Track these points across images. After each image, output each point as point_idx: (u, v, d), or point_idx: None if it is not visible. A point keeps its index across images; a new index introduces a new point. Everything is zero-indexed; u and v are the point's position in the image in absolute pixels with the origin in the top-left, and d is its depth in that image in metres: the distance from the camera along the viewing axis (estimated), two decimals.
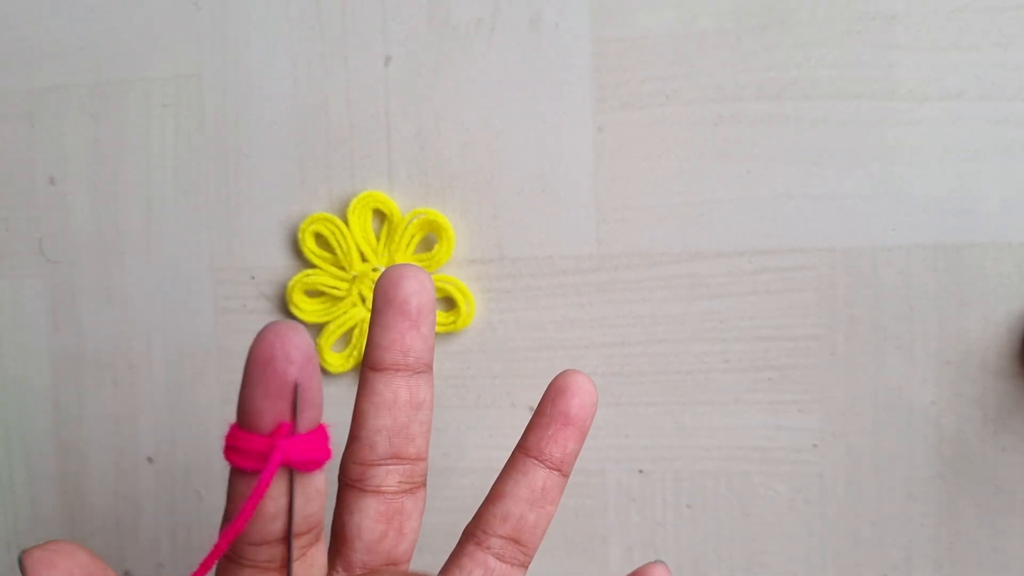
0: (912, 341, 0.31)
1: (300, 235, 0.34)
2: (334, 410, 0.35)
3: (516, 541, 0.23)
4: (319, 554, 0.21)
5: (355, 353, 0.34)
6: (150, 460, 0.37)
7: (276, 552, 0.19)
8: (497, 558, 0.23)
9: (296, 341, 0.17)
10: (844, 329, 0.31)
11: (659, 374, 0.33)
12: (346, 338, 0.34)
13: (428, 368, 0.22)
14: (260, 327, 0.35)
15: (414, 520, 0.23)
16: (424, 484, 0.23)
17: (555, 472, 0.23)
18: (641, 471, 0.33)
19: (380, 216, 0.34)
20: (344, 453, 0.22)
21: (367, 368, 0.22)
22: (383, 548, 0.22)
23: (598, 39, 0.32)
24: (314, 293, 0.34)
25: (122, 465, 0.37)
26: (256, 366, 0.17)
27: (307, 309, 0.34)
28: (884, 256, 0.31)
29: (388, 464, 0.22)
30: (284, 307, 0.35)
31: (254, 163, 0.35)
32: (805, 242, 0.31)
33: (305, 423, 0.18)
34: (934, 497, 0.31)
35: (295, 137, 0.34)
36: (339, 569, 0.22)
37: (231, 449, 0.18)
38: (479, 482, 0.34)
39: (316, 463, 0.19)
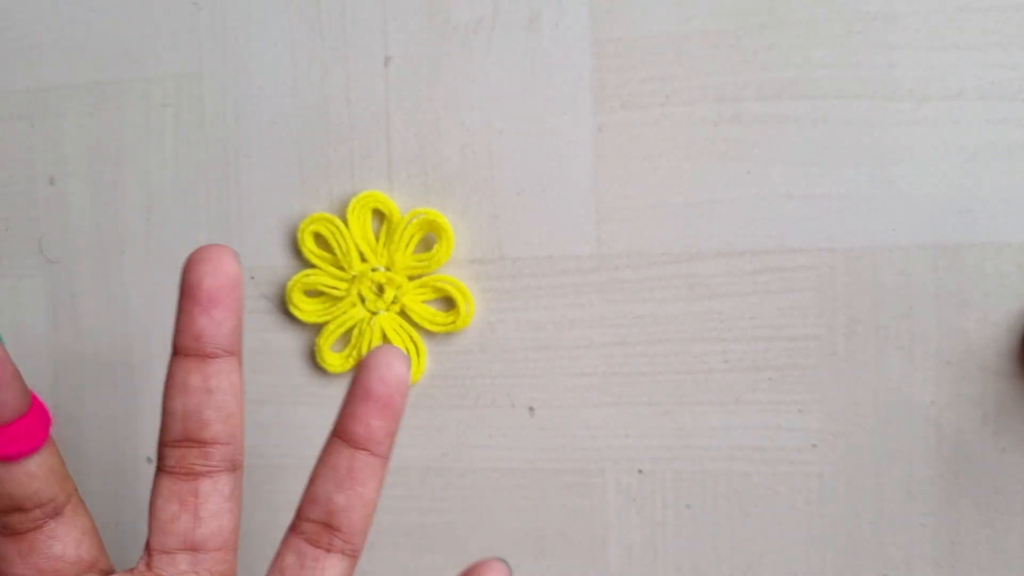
0: (912, 341, 0.31)
1: (299, 235, 0.34)
2: (334, 410, 0.35)
3: (328, 525, 0.23)
4: (60, 528, 0.22)
5: (355, 353, 0.34)
6: (150, 460, 0.37)
7: (16, 520, 0.21)
8: (310, 543, 0.23)
9: None
10: (844, 329, 0.31)
11: (659, 374, 0.33)
12: (345, 338, 0.34)
13: (227, 353, 0.22)
14: (260, 327, 0.35)
15: (213, 504, 0.23)
16: (230, 470, 0.23)
17: (362, 452, 0.23)
18: (641, 471, 0.33)
19: (380, 216, 0.34)
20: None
21: (172, 351, 0.22)
22: (177, 530, 0.23)
23: (598, 39, 0.32)
24: (313, 293, 0.34)
25: (122, 465, 0.37)
26: None
27: (306, 309, 0.34)
28: (884, 256, 0.31)
29: (182, 446, 0.22)
30: (284, 307, 0.35)
31: (254, 163, 0.35)
32: (805, 242, 0.31)
33: None
34: (934, 497, 0.31)
35: (295, 137, 0.34)
36: (145, 550, 0.23)
37: None
38: (479, 482, 0.34)
39: (10, 456, 0.20)
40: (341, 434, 0.23)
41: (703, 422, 0.32)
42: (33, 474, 0.21)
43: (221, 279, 0.21)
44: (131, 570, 0.23)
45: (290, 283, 0.34)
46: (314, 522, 0.23)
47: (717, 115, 0.31)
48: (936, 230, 0.30)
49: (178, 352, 0.22)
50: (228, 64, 0.35)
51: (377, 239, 0.34)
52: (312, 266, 0.34)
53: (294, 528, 0.24)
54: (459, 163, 0.33)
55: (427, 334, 0.34)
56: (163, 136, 0.36)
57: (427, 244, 0.34)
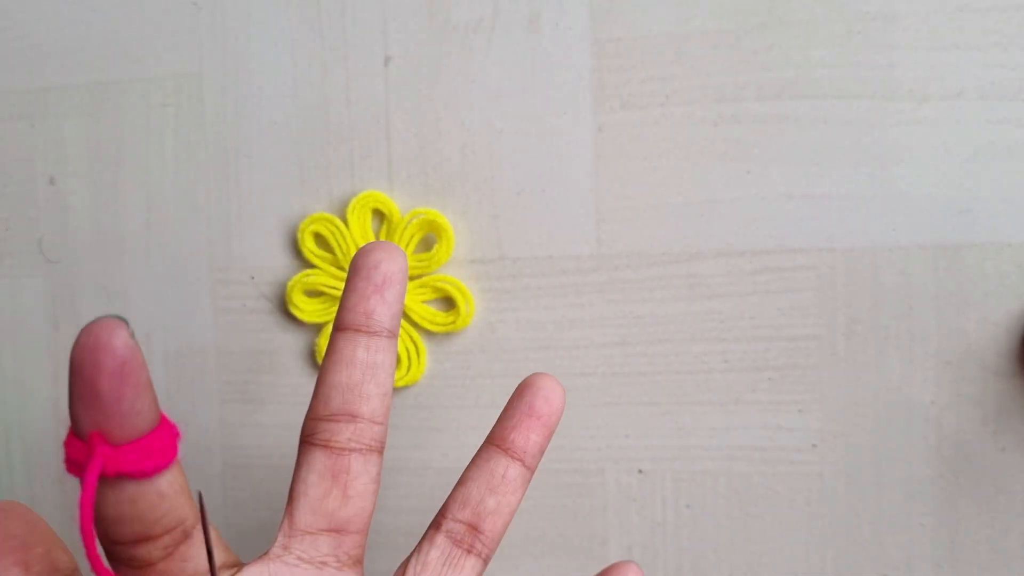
0: (912, 341, 0.31)
1: (299, 235, 0.34)
2: None
3: (475, 527, 0.24)
4: (191, 550, 0.21)
5: None
6: None
7: (145, 551, 0.19)
8: (455, 543, 0.24)
9: (112, 344, 0.16)
10: (844, 329, 0.31)
11: (659, 374, 0.33)
12: None
13: (390, 334, 0.23)
14: (260, 327, 0.35)
15: (361, 483, 0.23)
16: (378, 451, 0.23)
17: (517, 462, 0.24)
18: (641, 471, 0.33)
19: (380, 216, 0.34)
20: (306, 412, 0.23)
21: (334, 330, 0.23)
22: (326, 508, 0.22)
23: (598, 39, 0.32)
24: (314, 293, 0.34)
25: None
26: (72, 370, 0.17)
27: (307, 309, 0.34)
28: (884, 256, 0.31)
29: (339, 420, 0.22)
30: (284, 307, 0.35)
31: (254, 163, 0.35)
32: (805, 242, 0.31)
33: (126, 431, 0.17)
34: (934, 497, 0.31)
35: (295, 137, 0.34)
36: (280, 536, 0.22)
37: (66, 452, 0.18)
38: None
39: (145, 472, 0.18)
40: (500, 443, 0.24)
41: (703, 422, 0.32)
42: (163, 493, 0.19)
43: (396, 265, 0.23)
44: (266, 554, 0.22)
45: (290, 283, 0.34)
46: (461, 523, 0.24)
47: (717, 115, 0.31)
48: (936, 230, 0.30)
49: (345, 328, 0.23)
50: (228, 64, 0.35)
51: (377, 239, 0.34)
52: (312, 266, 0.34)
53: (439, 526, 0.24)
54: (459, 163, 0.33)
55: (427, 334, 0.34)
56: (163, 136, 0.36)
57: (427, 244, 0.34)
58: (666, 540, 0.33)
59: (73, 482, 0.37)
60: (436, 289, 0.33)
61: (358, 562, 0.23)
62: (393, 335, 0.23)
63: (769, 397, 0.32)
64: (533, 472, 0.25)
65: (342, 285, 0.34)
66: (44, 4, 0.36)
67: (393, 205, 0.33)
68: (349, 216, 0.33)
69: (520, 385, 0.25)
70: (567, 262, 0.33)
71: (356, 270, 0.23)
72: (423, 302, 0.34)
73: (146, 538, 0.19)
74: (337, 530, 0.22)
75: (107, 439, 0.17)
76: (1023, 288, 0.30)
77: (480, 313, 0.34)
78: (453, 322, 0.33)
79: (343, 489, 0.22)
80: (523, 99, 0.33)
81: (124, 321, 0.17)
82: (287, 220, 0.35)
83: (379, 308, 0.23)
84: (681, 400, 0.32)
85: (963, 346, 0.31)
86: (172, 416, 0.36)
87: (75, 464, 0.18)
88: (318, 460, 0.22)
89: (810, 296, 0.31)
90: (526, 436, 0.24)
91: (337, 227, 0.33)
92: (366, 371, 0.23)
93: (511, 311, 0.33)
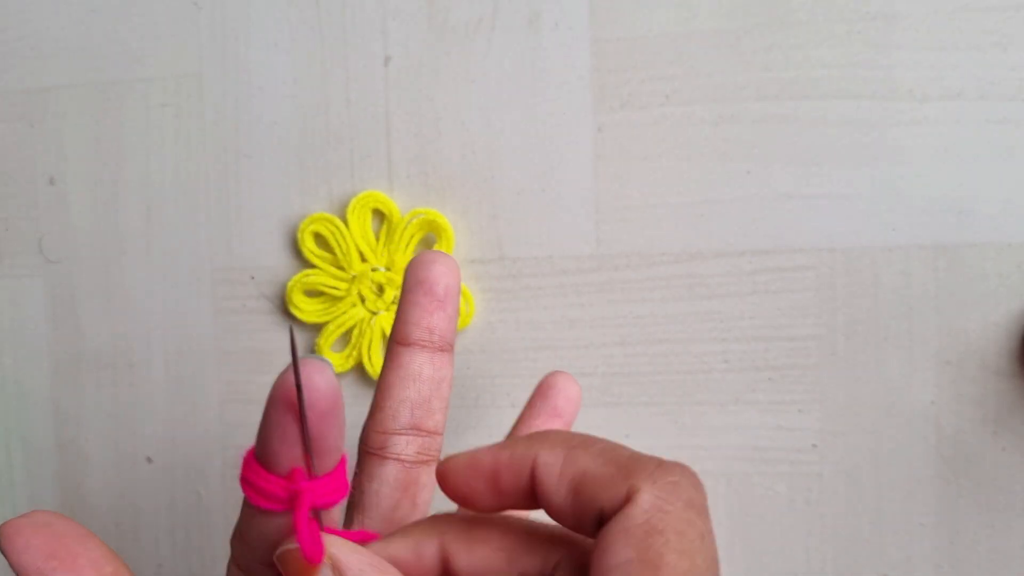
0: (912, 341, 0.31)
1: (300, 235, 0.34)
2: None
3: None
4: None
5: (354, 353, 0.34)
6: (150, 460, 0.37)
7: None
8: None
9: (320, 384, 0.17)
10: (844, 329, 0.31)
11: (659, 374, 0.33)
12: (345, 338, 0.34)
13: (450, 348, 0.23)
14: (260, 327, 0.35)
15: (427, 493, 0.24)
16: (438, 460, 0.24)
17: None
18: None
19: (380, 216, 0.34)
20: (367, 423, 0.23)
21: (395, 343, 0.23)
22: (397, 517, 0.23)
23: (598, 39, 0.32)
24: (313, 293, 0.34)
25: (122, 465, 0.37)
26: (276, 408, 0.17)
27: (306, 309, 0.34)
28: (884, 256, 0.31)
29: (408, 434, 0.23)
30: (284, 307, 0.35)
31: (254, 163, 0.35)
32: (805, 242, 0.31)
33: (323, 467, 0.18)
34: (934, 497, 0.31)
35: (295, 137, 0.34)
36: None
37: (247, 483, 0.18)
38: None
39: (334, 503, 0.19)
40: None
41: (703, 422, 0.32)
42: (335, 521, 0.20)
43: (455, 279, 0.23)
44: None
45: (290, 283, 0.34)
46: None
47: (717, 115, 0.31)
48: (936, 230, 0.30)
49: (407, 343, 0.23)
50: (228, 64, 0.35)
51: (377, 239, 0.34)
52: (312, 266, 0.34)
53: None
54: (459, 163, 0.33)
55: None
56: (163, 136, 0.36)
57: (427, 244, 0.34)
58: None
59: (74, 481, 0.37)
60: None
61: None
62: (452, 348, 0.23)
63: (769, 397, 0.32)
64: None
65: (342, 285, 0.34)
66: (44, 4, 0.36)
67: (393, 205, 0.33)
68: (349, 216, 0.33)
69: (541, 385, 0.25)
70: (567, 262, 0.33)
71: (417, 283, 0.23)
72: None
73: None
74: None
75: (305, 474, 0.18)
76: (1023, 288, 0.30)
77: (480, 313, 0.34)
78: None
79: (412, 499, 0.23)
80: (523, 99, 0.33)
81: (328, 363, 0.18)
82: (287, 220, 0.35)
83: (442, 324, 0.23)
84: (681, 400, 0.32)
85: (963, 346, 0.31)
86: (173, 415, 0.36)
87: (271, 497, 0.18)
88: (390, 474, 0.23)
89: (810, 296, 0.31)
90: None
91: (337, 227, 0.33)
92: (433, 387, 0.23)
93: (511, 311, 0.33)
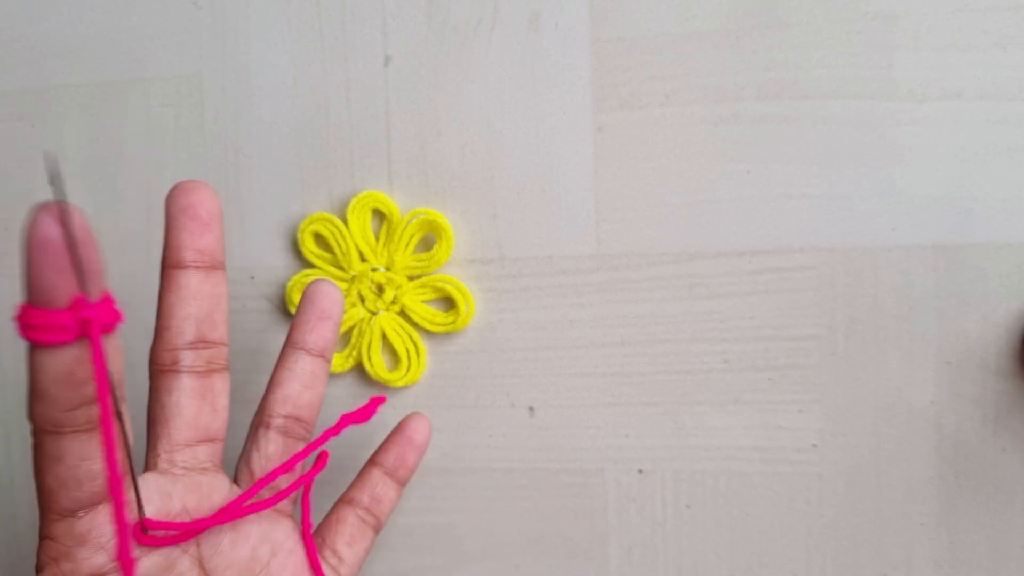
0: (912, 341, 0.31)
1: (299, 235, 0.34)
2: (335, 409, 0.35)
3: (297, 419, 0.28)
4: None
5: (354, 353, 0.34)
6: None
7: (89, 413, 0.21)
8: (285, 435, 0.28)
9: (78, 222, 0.19)
10: (844, 329, 0.31)
11: (659, 374, 0.33)
12: (345, 338, 0.34)
13: (222, 266, 0.26)
14: (260, 327, 0.35)
15: (223, 399, 0.26)
16: (227, 369, 0.27)
17: (319, 358, 0.28)
18: (641, 471, 0.33)
19: (380, 216, 0.34)
20: (153, 345, 0.25)
21: (169, 267, 0.25)
22: (201, 423, 0.26)
23: (598, 39, 0.32)
24: None
25: None
26: (42, 247, 0.19)
27: None
28: (884, 256, 0.31)
29: (197, 348, 0.25)
30: (284, 307, 0.35)
31: (254, 163, 0.35)
32: (805, 242, 0.31)
33: (95, 291, 0.20)
34: (934, 497, 0.31)
35: (295, 137, 0.34)
36: (161, 452, 0.25)
37: (32, 327, 0.19)
38: (479, 482, 0.34)
39: (117, 322, 0.21)
40: (301, 345, 0.28)
41: (703, 422, 0.32)
42: (119, 349, 0.22)
43: (213, 205, 0.25)
44: (154, 468, 0.25)
45: (290, 283, 0.34)
46: (285, 416, 0.27)
47: (717, 115, 0.31)
48: (936, 230, 0.30)
49: (178, 266, 0.25)
50: (228, 64, 0.35)
51: (377, 239, 0.34)
52: (312, 266, 0.34)
53: (267, 424, 0.27)
54: (459, 163, 0.33)
55: (427, 334, 0.34)
56: (163, 136, 0.36)
57: (427, 244, 0.34)
58: (666, 540, 0.33)
59: None
60: (436, 289, 0.33)
61: (221, 465, 0.27)
62: (224, 266, 0.26)
63: (769, 397, 0.32)
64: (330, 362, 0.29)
65: (342, 285, 0.34)
66: (44, 4, 0.36)
67: (393, 205, 0.33)
68: (349, 216, 0.33)
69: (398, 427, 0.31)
70: (567, 262, 0.33)
71: (181, 210, 0.25)
72: (423, 302, 0.34)
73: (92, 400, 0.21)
74: (210, 440, 0.26)
75: (87, 301, 0.20)
76: (1023, 288, 0.30)
77: (480, 313, 0.34)
78: (453, 322, 0.33)
79: (212, 405, 0.26)
80: (523, 99, 0.33)
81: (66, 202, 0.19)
82: (287, 220, 0.35)
83: (212, 244, 0.25)
84: (681, 400, 0.32)
85: (963, 346, 0.31)
86: None
87: (51, 329, 0.19)
88: (186, 385, 0.25)
89: (810, 296, 0.31)
90: (318, 335, 0.28)
91: (337, 227, 0.33)
92: (213, 302, 0.25)
93: (511, 311, 0.33)
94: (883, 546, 0.32)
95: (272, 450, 0.27)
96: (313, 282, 0.28)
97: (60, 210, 0.18)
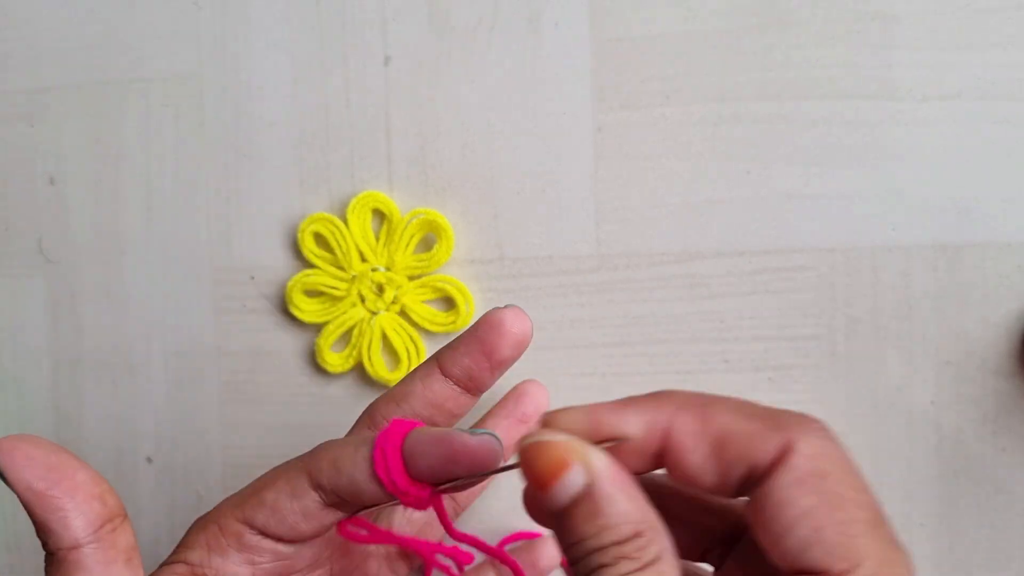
0: (912, 341, 0.31)
1: (299, 235, 0.34)
2: (334, 410, 0.35)
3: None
4: None
5: (354, 353, 0.34)
6: (150, 460, 0.37)
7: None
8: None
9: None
10: (844, 329, 0.31)
11: (659, 374, 0.33)
12: (345, 338, 0.34)
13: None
14: (260, 327, 0.35)
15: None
16: None
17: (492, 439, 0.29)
18: None
19: (380, 216, 0.34)
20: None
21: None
22: None
23: (598, 39, 0.32)
24: (313, 293, 0.34)
25: (122, 465, 0.37)
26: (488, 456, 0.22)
27: (306, 309, 0.34)
28: (884, 256, 0.31)
29: None
30: (284, 307, 0.35)
31: (254, 163, 0.35)
32: (805, 242, 0.31)
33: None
34: (934, 497, 0.31)
35: (295, 137, 0.34)
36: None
37: (396, 486, 0.22)
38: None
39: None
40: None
41: None
42: None
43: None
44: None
45: (290, 283, 0.34)
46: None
47: (717, 115, 0.31)
48: (936, 230, 0.30)
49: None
50: (228, 64, 0.35)
51: (377, 239, 0.34)
52: (312, 266, 0.34)
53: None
54: (459, 163, 0.33)
55: (427, 334, 0.34)
56: (163, 136, 0.36)
57: (427, 244, 0.34)
58: None
59: None
60: (436, 289, 0.33)
61: None
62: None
63: (769, 397, 0.32)
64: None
65: (342, 285, 0.34)
66: (44, 4, 0.36)
67: (393, 205, 0.33)
68: (349, 216, 0.33)
69: (512, 391, 0.31)
70: (567, 262, 0.33)
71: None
72: (423, 302, 0.34)
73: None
74: None
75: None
76: (1023, 288, 0.30)
77: (480, 313, 0.34)
78: (453, 322, 0.33)
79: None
80: (523, 99, 0.33)
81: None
82: (287, 220, 0.35)
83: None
84: None
85: (963, 346, 0.31)
86: (173, 415, 0.36)
87: (402, 494, 0.22)
88: None
89: (810, 296, 0.31)
90: (504, 431, 0.29)
91: (337, 227, 0.33)
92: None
93: None
94: None
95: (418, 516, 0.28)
96: (530, 384, 0.31)
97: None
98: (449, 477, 0.21)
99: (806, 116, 0.31)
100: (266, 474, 0.24)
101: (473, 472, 0.21)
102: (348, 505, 0.23)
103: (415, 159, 0.34)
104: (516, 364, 0.34)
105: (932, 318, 0.31)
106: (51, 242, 0.37)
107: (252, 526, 0.23)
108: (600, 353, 0.33)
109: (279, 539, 0.23)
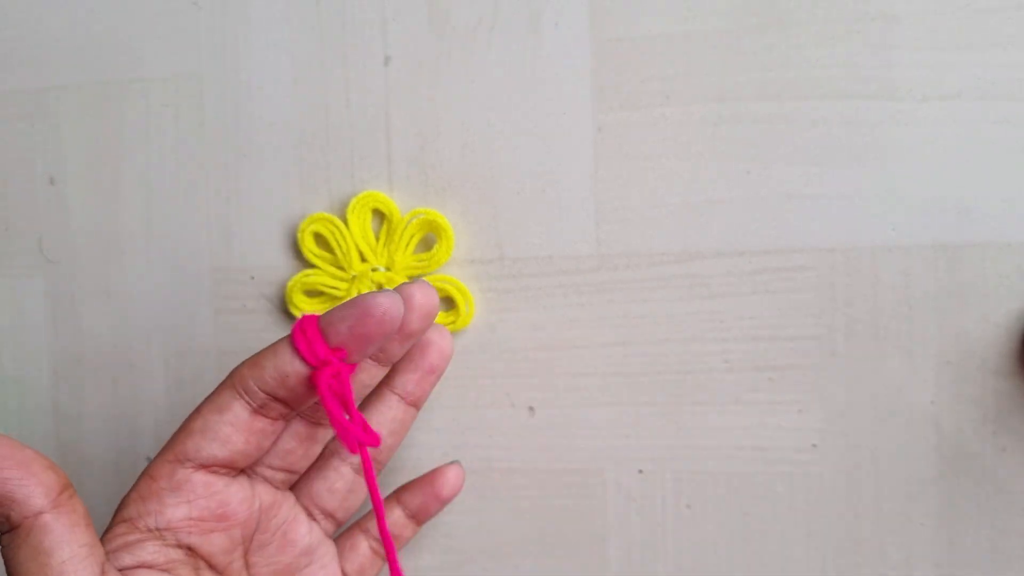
0: (912, 341, 0.31)
1: (299, 235, 0.34)
2: None
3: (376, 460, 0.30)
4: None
5: None
6: (150, 460, 0.37)
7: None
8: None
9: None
10: (844, 329, 0.31)
11: (659, 374, 0.33)
12: None
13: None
14: (260, 327, 0.35)
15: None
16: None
17: (411, 408, 0.31)
18: (641, 471, 0.33)
19: (380, 216, 0.34)
20: None
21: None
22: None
23: (598, 39, 0.32)
24: (314, 293, 0.34)
25: (122, 465, 0.37)
26: (381, 322, 0.24)
27: (306, 309, 0.34)
28: (884, 256, 0.31)
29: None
30: (284, 307, 0.35)
31: (254, 163, 0.35)
32: (805, 242, 0.31)
33: (357, 358, 0.25)
34: (934, 497, 0.31)
35: (295, 137, 0.34)
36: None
37: (303, 333, 0.24)
38: (479, 482, 0.34)
39: (346, 377, 0.25)
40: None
41: (703, 422, 0.32)
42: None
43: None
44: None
45: (290, 283, 0.34)
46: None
47: (717, 115, 0.31)
48: (936, 230, 0.30)
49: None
50: (228, 64, 0.35)
51: (377, 239, 0.34)
52: (312, 266, 0.34)
53: (342, 457, 0.30)
54: (459, 163, 0.33)
55: None
56: (163, 136, 0.36)
57: (427, 244, 0.34)
58: (666, 540, 0.33)
59: (74, 481, 0.37)
60: (437, 289, 0.33)
61: None
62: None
63: (769, 397, 0.32)
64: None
65: (342, 285, 0.34)
66: (44, 4, 0.36)
67: (393, 205, 0.33)
68: (349, 216, 0.33)
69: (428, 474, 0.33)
70: (567, 262, 0.33)
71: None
72: None
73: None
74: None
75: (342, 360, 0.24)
76: (1023, 288, 0.30)
77: (480, 313, 0.34)
78: (453, 322, 0.33)
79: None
80: (523, 99, 0.33)
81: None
82: (287, 220, 0.35)
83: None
84: (681, 400, 0.32)
85: (963, 346, 0.31)
86: (173, 415, 0.36)
87: (312, 356, 0.24)
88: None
89: (810, 296, 0.31)
90: (418, 386, 0.30)
91: (337, 227, 0.33)
92: None
93: (511, 311, 0.33)
94: (883, 546, 0.32)
95: (340, 485, 0.29)
96: (433, 332, 0.30)
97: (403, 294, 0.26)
98: (364, 341, 0.24)
99: (806, 116, 0.31)
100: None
101: (383, 331, 0.24)
102: (274, 408, 0.25)
103: (415, 159, 0.34)
104: (516, 364, 0.34)
105: (932, 318, 0.31)
106: (51, 242, 0.37)
107: (185, 459, 0.25)
108: (600, 353, 0.33)
109: (212, 466, 0.25)
